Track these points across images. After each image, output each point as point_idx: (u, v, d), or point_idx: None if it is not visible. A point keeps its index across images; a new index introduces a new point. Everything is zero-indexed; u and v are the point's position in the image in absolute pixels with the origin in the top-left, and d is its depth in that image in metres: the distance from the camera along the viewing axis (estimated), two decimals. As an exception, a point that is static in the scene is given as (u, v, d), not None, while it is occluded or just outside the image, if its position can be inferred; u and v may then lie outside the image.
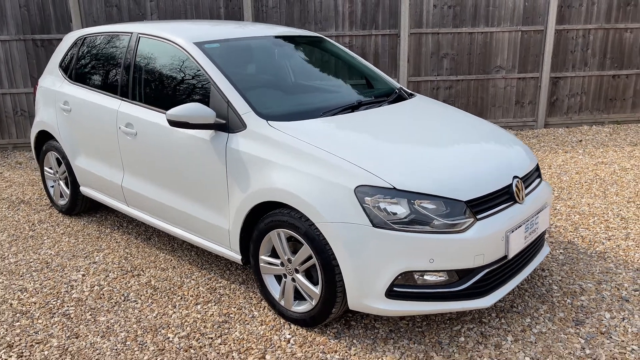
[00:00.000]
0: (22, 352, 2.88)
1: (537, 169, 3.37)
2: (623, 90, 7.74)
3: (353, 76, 4.07)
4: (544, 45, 7.38)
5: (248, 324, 3.10)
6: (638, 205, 4.74)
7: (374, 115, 3.40)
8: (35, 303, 3.36)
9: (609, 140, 6.99)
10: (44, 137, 4.81)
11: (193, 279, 3.61)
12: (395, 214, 2.66)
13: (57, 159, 4.66)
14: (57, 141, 4.59)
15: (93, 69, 4.25)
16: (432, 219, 2.65)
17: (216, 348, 2.89)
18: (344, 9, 7.04)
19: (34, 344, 2.95)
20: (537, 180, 3.30)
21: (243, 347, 2.89)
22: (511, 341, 2.90)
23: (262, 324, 3.09)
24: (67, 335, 3.02)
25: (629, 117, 7.84)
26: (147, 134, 3.62)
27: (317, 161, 2.83)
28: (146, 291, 3.47)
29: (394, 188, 2.67)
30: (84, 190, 4.45)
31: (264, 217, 3.04)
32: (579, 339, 2.91)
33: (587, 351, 2.81)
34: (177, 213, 3.56)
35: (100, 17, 6.78)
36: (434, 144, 3.08)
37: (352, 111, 3.42)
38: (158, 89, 3.68)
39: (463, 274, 2.71)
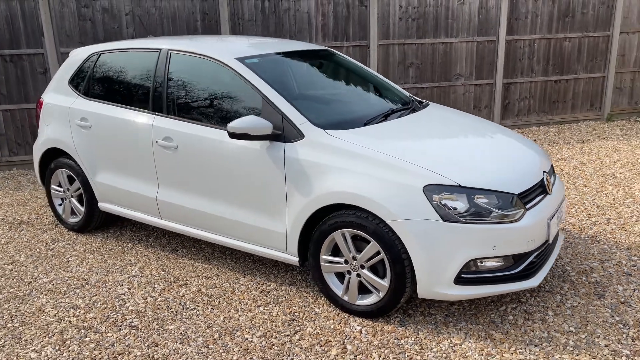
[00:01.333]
0: (109, 364, 2.94)
1: (552, 166, 3.84)
2: (564, 94, 8.59)
3: (371, 87, 4.37)
4: (496, 54, 8.06)
5: (315, 320, 3.31)
6: (607, 194, 5.39)
7: (409, 122, 3.72)
8: (95, 318, 3.38)
9: (559, 138, 7.75)
10: (51, 155, 4.73)
11: (242, 284, 3.76)
12: (455, 208, 2.99)
13: (69, 176, 4.61)
14: (70, 158, 4.55)
15: (116, 84, 4.28)
16: (491, 211, 3.01)
17: (297, 344, 3.08)
18: (317, 22, 7.34)
19: (116, 355, 3.01)
20: (553, 176, 3.76)
21: (322, 340, 3.11)
22: (552, 315, 3.31)
23: (328, 319, 3.32)
24: (146, 345, 3.09)
25: (570, 118, 8.69)
26: (192, 147, 3.73)
27: (383, 165, 3.11)
28: (201, 299, 3.59)
29: (459, 185, 3.00)
30: (104, 206, 4.44)
31: (327, 219, 3.27)
32: (606, 309, 3.38)
33: (617, 318, 3.28)
34: (225, 222, 3.70)
35: (73, 32, 6.66)
36: (473, 147, 3.46)
37: (385, 119, 3.73)
38: (200, 103, 3.80)
39: (518, 258, 3.09)
